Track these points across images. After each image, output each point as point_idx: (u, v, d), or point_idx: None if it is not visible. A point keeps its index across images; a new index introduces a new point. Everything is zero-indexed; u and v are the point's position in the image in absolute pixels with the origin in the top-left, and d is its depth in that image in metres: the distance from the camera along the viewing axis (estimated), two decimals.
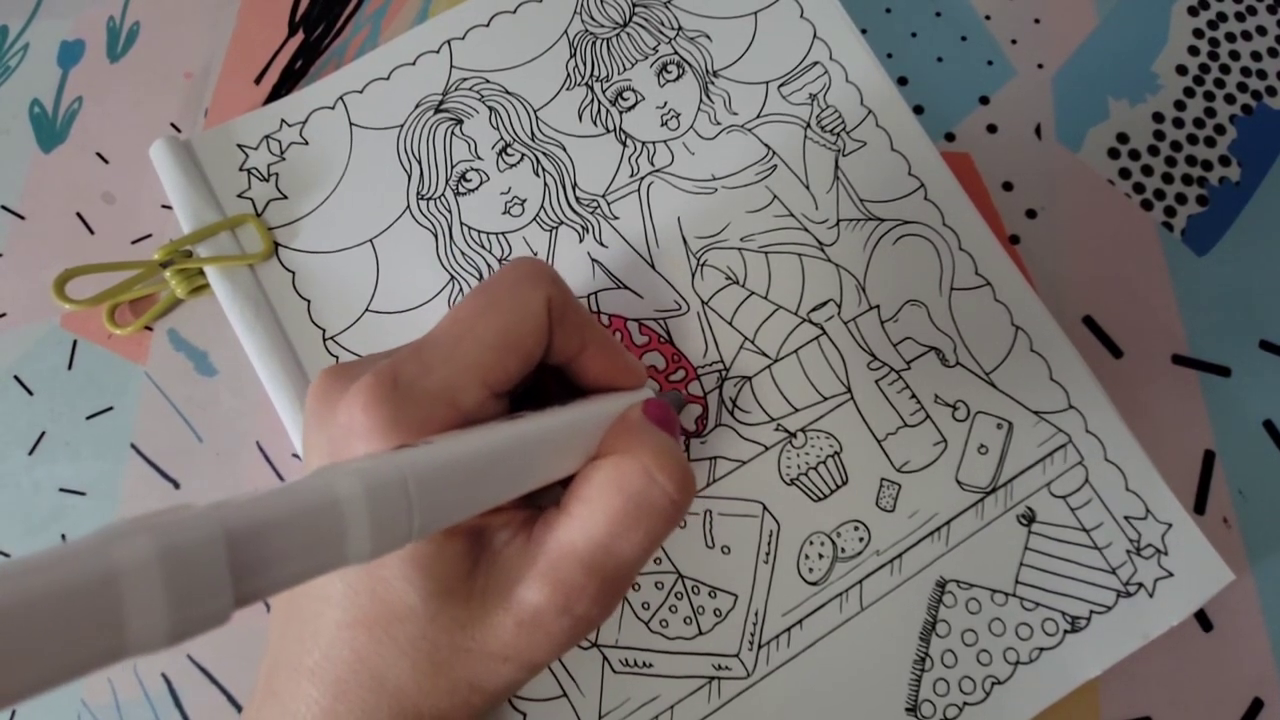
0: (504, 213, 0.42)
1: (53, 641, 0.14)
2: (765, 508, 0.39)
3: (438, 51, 0.44)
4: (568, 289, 0.31)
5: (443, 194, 0.42)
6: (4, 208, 0.46)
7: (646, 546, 0.28)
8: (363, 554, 0.20)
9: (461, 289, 0.41)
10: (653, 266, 0.41)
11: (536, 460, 0.27)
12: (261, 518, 0.18)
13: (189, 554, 0.16)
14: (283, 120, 0.44)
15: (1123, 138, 0.46)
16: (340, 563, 0.19)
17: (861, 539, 0.38)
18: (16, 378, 0.43)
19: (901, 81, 0.47)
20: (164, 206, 0.45)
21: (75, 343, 0.44)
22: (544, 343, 0.29)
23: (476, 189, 0.42)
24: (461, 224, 0.42)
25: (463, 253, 0.42)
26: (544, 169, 0.43)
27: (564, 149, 0.43)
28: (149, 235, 0.45)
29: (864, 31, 0.44)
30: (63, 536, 0.41)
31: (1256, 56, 0.48)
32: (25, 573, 0.14)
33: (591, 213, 0.42)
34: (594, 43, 0.44)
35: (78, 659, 0.14)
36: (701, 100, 0.43)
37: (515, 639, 0.28)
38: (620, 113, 0.43)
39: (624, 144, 0.43)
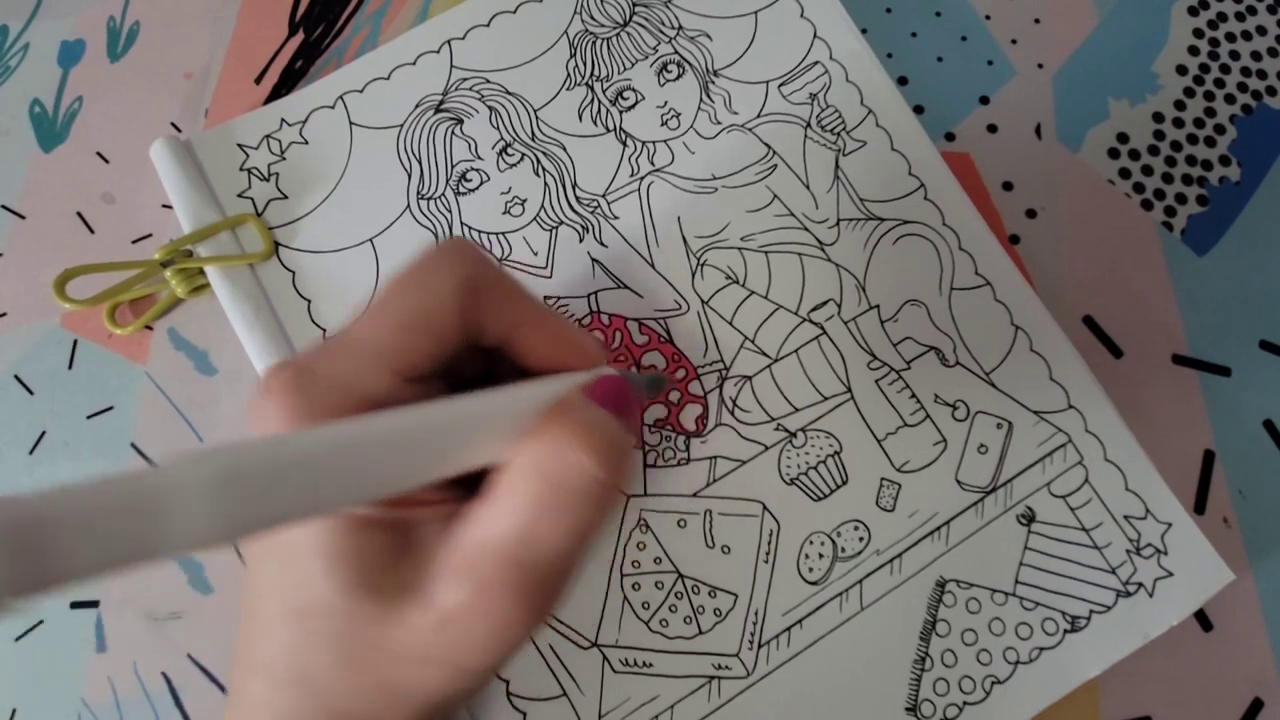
0: (504, 212, 0.42)
1: None
2: (765, 507, 0.39)
3: (438, 51, 0.44)
4: (492, 264, 0.29)
5: (443, 194, 0.43)
6: (4, 208, 0.46)
7: (574, 536, 0.26)
8: (170, 552, 0.19)
9: None
10: (653, 266, 0.41)
11: (437, 445, 0.25)
12: (79, 506, 0.18)
13: None
14: (283, 120, 0.44)
15: (1123, 137, 0.46)
16: (150, 557, 0.18)
17: (861, 538, 0.38)
18: (17, 377, 0.43)
19: (902, 81, 0.47)
20: (164, 206, 0.45)
21: (75, 342, 0.44)
22: (458, 323, 0.28)
23: (477, 189, 0.42)
24: (462, 224, 0.42)
25: None
26: (544, 169, 0.43)
27: (564, 149, 0.43)
28: (149, 235, 0.45)
29: (864, 31, 0.44)
30: None
31: (1256, 56, 0.48)
32: None
33: (592, 212, 0.42)
34: (594, 42, 0.44)
35: None
36: (702, 100, 0.43)
37: (435, 640, 0.26)
38: (620, 112, 0.43)
39: (624, 143, 0.43)
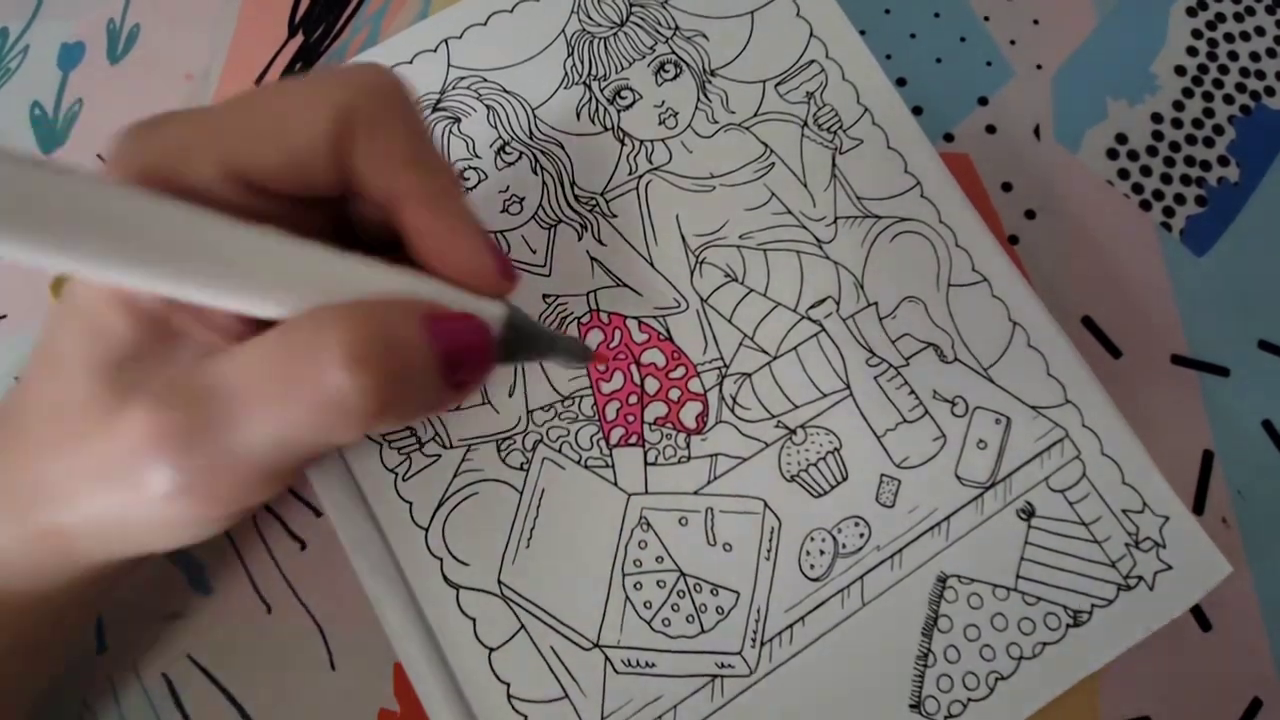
0: (502, 211, 0.42)
1: None
2: (766, 504, 0.39)
3: (435, 50, 0.44)
4: (400, 111, 0.25)
5: None
6: None
7: (281, 439, 0.23)
8: None
9: None
10: (651, 264, 0.41)
11: (211, 269, 0.22)
12: None
13: None
14: None
15: (1121, 138, 0.46)
16: None
17: (862, 534, 0.38)
18: (17, 379, 0.43)
19: (900, 82, 0.47)
20: None
21: None
22: (322, 155, 0.24)
23: (474, 187, 0.43)
24: None
25: None
26: (542, 167, 0.43)
27: (562, 147, 0.43)
28: None
29: (862, 32, 0.44)
30: None
31: (1255, 57, 0.48)
32: None
33: (590, 210, 0.42)
34: (591, 42, 0.44)
35: None
36: (699, 99, 0.44)
37: (96, 456, 0.24)
38: (618, 111, 0.43)
39: (622, 142, 0.43)
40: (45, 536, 0.27)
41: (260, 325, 0.24)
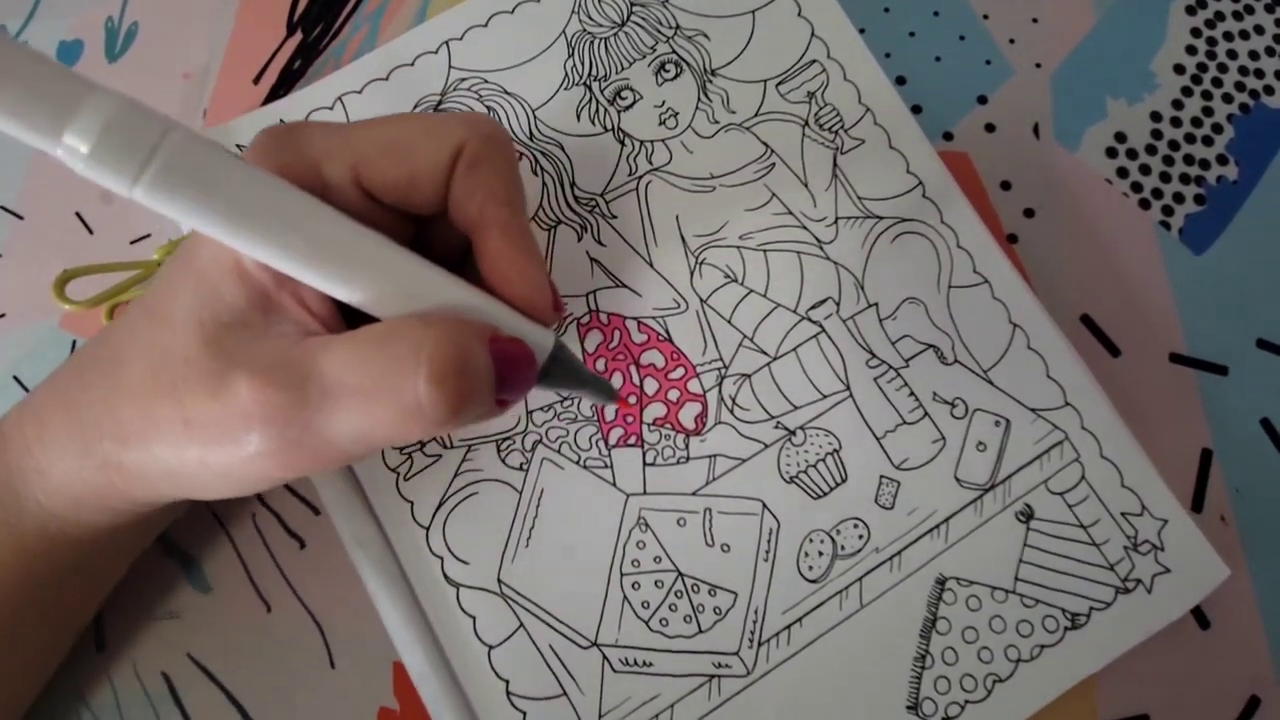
0: None
1: None
2: (765, 505, 0.39)
3: (436, 52, 0.44)
4: (497, 154, 0.29)
5: None
6: (4, 208, 0.46)
7: (363, 433, 0.27)
8: (84, 142, 0.20)
9: None
10: (651, 265, 0.41)
11: (320, 246, 0.26)
12: (20, 46, 0.20)
13: None
14: (281, 120, 0.44)
15: (1120, 137, 0.46)
16: (56, 131, 0.20)
17: (861, 536, 0.38)
18: (16, 378, 0.43)
19: (900, 81, 0.47)
20: None
21: (75, 343, 0.44)
22: (434, 179, 0.29)
23: None
24: None
25: None
26: (542, 168, 0.43)
27: (562, 148, 0.43)
28: (148, 235, 0.45)
29: (862, 31, 0.44)
30: None
31: (1254, 55, 0.48)
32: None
33: (590, 211, 0.42)
34: (592, 42, 0.44)
35: None
36: (699, 99, 0.44)
37: (197, 414, 0.27)
38: (618, 112, 0.43)
39: (622, 143, 0.43)
40: (106, 469, 0.30)
41: (344, 310, 0.28)
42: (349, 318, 0.29)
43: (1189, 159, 0.46)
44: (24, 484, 0.31)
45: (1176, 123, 0.47)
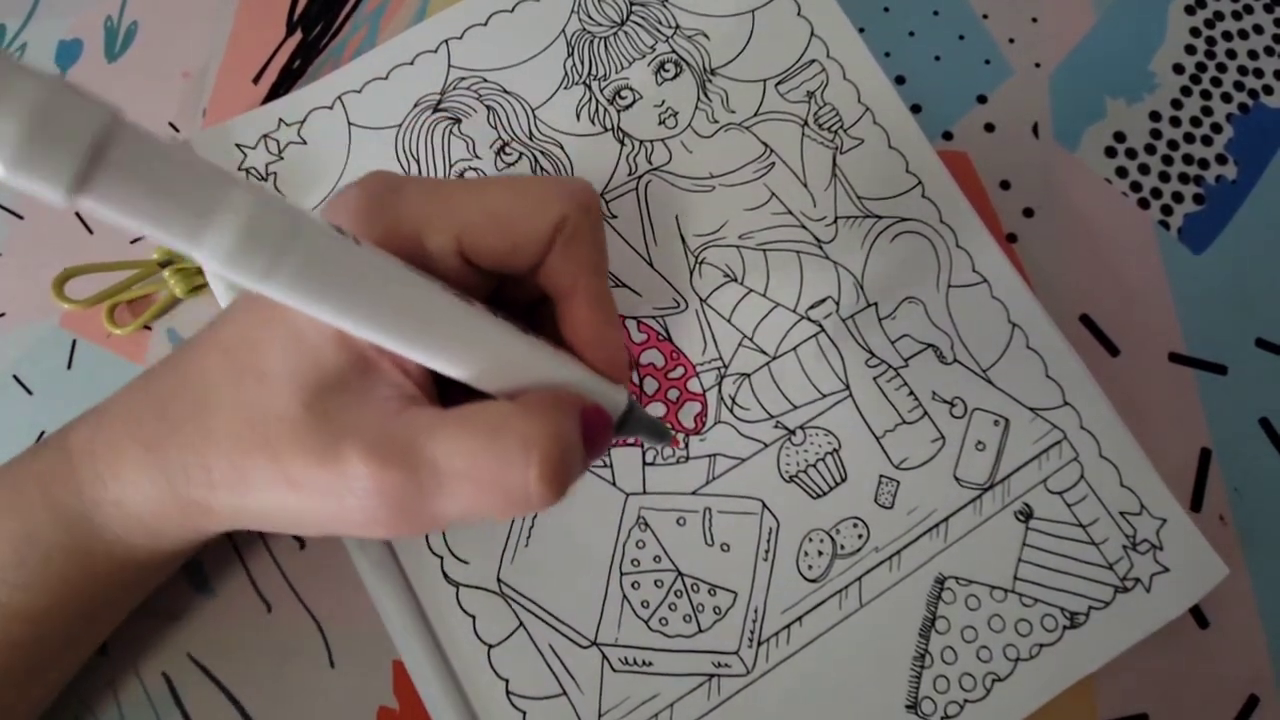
0: None
1: None
2: (764, 505, 0.39)
3: (435, 51, 0.44)
4: (592, 225, 0.30)
5: None
6: (4, 207, 0.46)
7: (469, 511, 0.28)
8: (220, 247, 0.20)
9: None
10: (651, 264, 0.41)
11: (436, 331, 0.26)
12: (155, 140, 0.19)
13: (74, 103, 0.17)
14: (281, 120, 0.44)
15: (1120, 136, 0.46)
16: (195, 236, 0.20)
17: (860, 536, 0.39)
18: (16, 377, 0.43)
19: (899, 80, 0.47)
20: None
21: (74, 342, 0.44)
22: (537, 250, 0.29)
23: None
24: None
25: None
26: (542, 168, 0.43)
27: (562, 148, 0.43)
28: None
29: (861, 30, 0.44)
30: None
31: (1253, 55, 0.48)
32: None
33: None
34: (591, 41, 0.44)
35: None
36: (699, 98, 0.44)
37: (303, 476, 0.27)
38: (618, 111, 0.43)
39: (622, 142, 0.43)
40: (192, 509, 0.30)
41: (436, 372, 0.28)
42: (440, 376, 0.29)
43: (1188, 158, 0.46)
44: (98, 513, 0.32)
45: (1176, 122, 0.47)
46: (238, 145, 0.43)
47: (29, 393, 0.43)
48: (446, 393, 0.29)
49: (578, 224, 0.29)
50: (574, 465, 0.27)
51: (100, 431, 0.32)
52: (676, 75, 0.44)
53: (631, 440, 0.40)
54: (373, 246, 0.25)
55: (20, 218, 0.46)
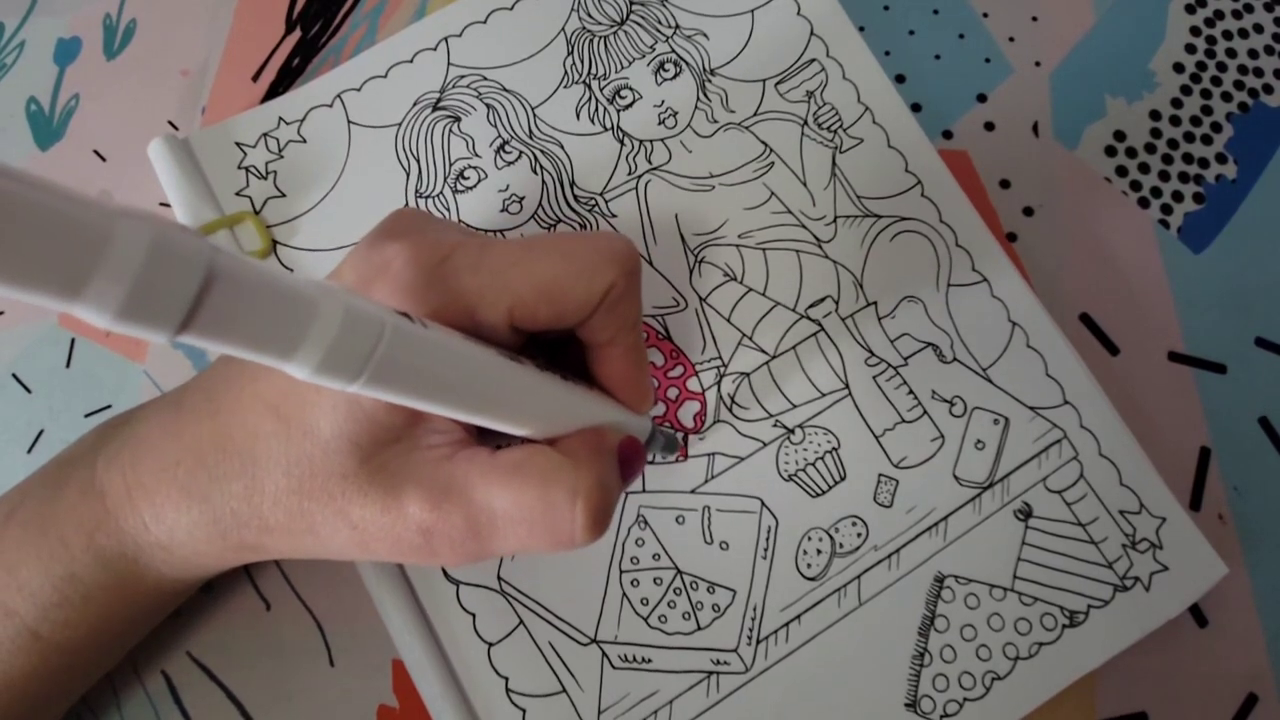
0: (502, 210, 0.42)
1: (28, 246, 0.15)
2: (763, 503, 0.39)
3: (435, 49, 0.44)
4: (635, 285, 0.31)
5: (441, 192, 0.43)
6: None
7: (519, 550, 0.30)
8: (308, 364, 0.21)
9: None
10: (651, 263, 0.41)
11: (501, 401, 0.28)
12: (247, 275, 0.19)
13: (173, 257, 0.17)
14: (280, 118, 0.44)
15: (1120, 135, 0.46)
16: (286, 357, 0.20)
17: (859, 534, 0.39)
18: (15, 376, 0.43)
19: (899, 79, 0.47)
20: (162, 204, 0.44)
21: (73, 341, 0.44)
22: (584, 315, 0.30)
23: (475, 187, 0.43)
24: (460, 221, 0.42)
25: None
26: (542, 167, 0.43)
27: (562, 147, 0.43)
28: None
29: (861, 29, 0.44)
30: None
31: (1253, 54, 0.48)
32: (42, 188, 0.16)
33: (589, 210, 0.42)
34: (591, 40, 0.44)
35: (32, 274, 0.16)
36: (699, 98, 0.44)
37: (365, 521, 0.29)
38: (618, 110, 0.43)
39: (622, 142, 0.43)
40: (241, 549, 0.32)
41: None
42: None
43: (1188, 158, 0.46)
44: (143, 555, 0.33)
45: (1176, 121, 0.47)
46: (237, 143, 0.43)
47: (28, 391, 0.43)
48: (484, 429, 0.30)
49: (624, 290, 0.30)
50: (614, 505, 0.29)
51: (131, 474, 0.32)
52: (676, 75, 0.44)
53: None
54: (438, 327, 0.26)
55: None
